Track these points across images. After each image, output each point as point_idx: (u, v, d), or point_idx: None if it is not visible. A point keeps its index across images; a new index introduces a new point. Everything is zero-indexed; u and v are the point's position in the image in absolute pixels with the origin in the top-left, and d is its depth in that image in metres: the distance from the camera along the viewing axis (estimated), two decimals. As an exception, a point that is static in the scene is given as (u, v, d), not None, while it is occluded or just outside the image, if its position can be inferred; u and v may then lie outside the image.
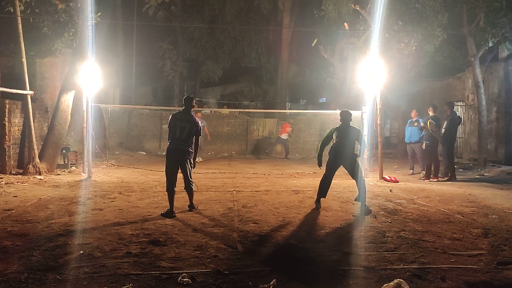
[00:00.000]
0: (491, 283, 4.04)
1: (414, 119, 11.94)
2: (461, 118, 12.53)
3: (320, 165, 7.64)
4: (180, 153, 6.67)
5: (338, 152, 7.32)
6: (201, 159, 15.02)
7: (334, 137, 7.50)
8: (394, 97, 19.73)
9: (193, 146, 6.76)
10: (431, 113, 11.09)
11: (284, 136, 17.01)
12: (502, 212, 7.06)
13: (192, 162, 6.81)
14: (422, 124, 11.21)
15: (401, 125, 13.50)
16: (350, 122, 7.54)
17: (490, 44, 13.00)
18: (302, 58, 28.00)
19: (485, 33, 12.66)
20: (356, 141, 7.53)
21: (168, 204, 6.59)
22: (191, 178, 6.81)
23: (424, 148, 11.14)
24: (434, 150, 11.08)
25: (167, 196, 6.66)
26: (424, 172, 11.41)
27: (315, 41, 19.38)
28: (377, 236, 5.56)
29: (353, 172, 7.26)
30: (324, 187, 7.37)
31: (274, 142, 17.85)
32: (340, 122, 7.56)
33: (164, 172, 6.79)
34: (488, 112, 13.77)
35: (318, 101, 29.70)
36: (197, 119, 6.83)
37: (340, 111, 7.76)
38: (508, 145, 13.77)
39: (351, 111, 7.68)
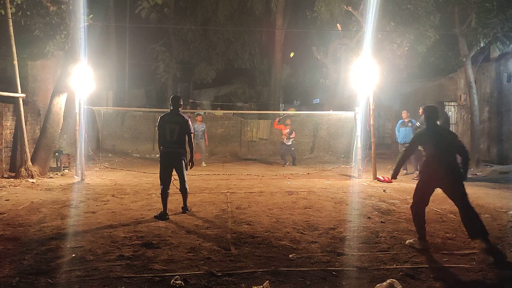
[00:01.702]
0: (483, 282, 4.06)
1: (406, 120, 11.99)
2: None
3: (394, 177, 5.72)
4: (173, 155, 6.64)
5: (433, 171, 5.21)
6: (204, 164, 14.52)
7: (422, 147, 5.48)
8: (387, 98, 19.82)
9: (186, 146, 6.70)
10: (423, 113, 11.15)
11: (287, 141, 14.63)
12: (495, 211, 7.12)
13: (189, 163, 6.79)
14: (418, 124, 11.24)
15: (395, 125, 13.58)
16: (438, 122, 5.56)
17: (482, 45, 13.07)
18: (295, 59, 28.06)
19: (476, 33, 12.74)
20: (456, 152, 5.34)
21: (162, 206, 6.57)
22: (186, 179, 6.80)
23: (418, 148, 11.16)
24: None
25: (160, 198, 6.64)
26: (417, 172, 11.45)
27: (292, 54, 18.53)
28: (370, 237, 5.57)
29: (455, 198, 5.11)
30: (420, 221, 5.20)
31: (281, 153, 15.19)
32: (426, 123, 5.56)
33: (158, 174, 6.76)
34: (481, 112, 13.86)
35: (311, 102, 29.78)
36: (186, 117, 6.74)
37: (425, 106, 5.71)
38: (500, 144, 13.86)
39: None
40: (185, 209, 6.92)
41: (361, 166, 11.42)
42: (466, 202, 5.01)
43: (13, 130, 11.14)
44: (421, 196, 5.27)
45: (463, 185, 5.08)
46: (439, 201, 7.98)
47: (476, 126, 13.32)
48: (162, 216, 6.45)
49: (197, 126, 14.15)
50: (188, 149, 6.80)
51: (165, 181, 6.65)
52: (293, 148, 14.88)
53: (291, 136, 14.61)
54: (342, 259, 4.70)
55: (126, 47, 24.93)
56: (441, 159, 5.18)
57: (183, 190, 6.85)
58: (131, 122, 18.95)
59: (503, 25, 12.57)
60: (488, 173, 12.10)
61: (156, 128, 6.78)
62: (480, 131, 13.67)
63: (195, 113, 15.59)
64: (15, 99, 10.84)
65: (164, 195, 6.61)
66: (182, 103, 6.93)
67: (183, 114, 6.78)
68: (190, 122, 6.75)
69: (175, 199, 7.40)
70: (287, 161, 14.84)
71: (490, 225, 6.13)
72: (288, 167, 14.18)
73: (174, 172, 6.74)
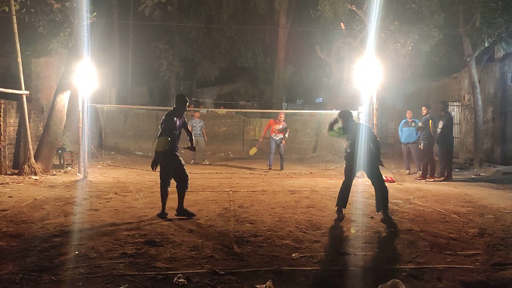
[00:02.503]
0: (487, 283, 4.04)
1: (409, 120, 11.96)
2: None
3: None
4: (168, 154, 6.30)
5: (353, 157, 6.53)
6: (207, 162, 14.29)
7: (345, 138, 6.72)
8: (390, 97, 19.77)
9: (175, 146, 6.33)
10: (426, 113, 11.11)
11: (275, 136, 12.90)
12: (498, 212, 7.08)
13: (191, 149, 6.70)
14: (420, 124, 11.20)
15: (398, 125, 13.54)
16: (354, 119, 6.96)
17: (486, 44, 13.01)
18: (298, 58, 28.00)
19: (481, 33, 12.67)
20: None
21: (167, 204, 6.53)
22: (185, 179, 6.44)
23: (422, 148, 11.15)
24: (430, 150, 11.10)
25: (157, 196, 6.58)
26: (420, 172, 11.43)
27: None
28: (373, 236, 5.56)
29: (373, 177, 6.58)
30: (345, 194, 6.68)
31: (270, 152, 13.12)
32: (345, 122, 6.79)
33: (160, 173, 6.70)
34: (484, 112, 13.80)
35: (314, 101, 29.69)
36: (167, 115, 6.43)
37: (340, 112, 7.01)
38: (504, 145, 13.82)
39: (350, 111, 6.95)
40: (181, 212, 6.40)
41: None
42: (382, 182, 6.50)
43: (17, 127, 11.16)
44: (348, 177, 6.66)
45: (378, 169, 6.48)
46: (442, 201, 7.98)
47: (479, 126, 13.27)
48: (161, 215, 6.39)
49: (194, 122, 14.07)
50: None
51: (165, 180, 6.44)
52: (281, 145, 12.95)
53: (286, 135, 12.97)
54: (345, 258, 4.70)
55: (129, 45, 24.94)
56: (357, 148, 6.45)
57: (180, 188, 6.45)
58: (134, 120, 18.96)
59: (507, 25, 12.52)
60: (492, 174, 12.06)
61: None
62: (483, 131, 13.62)
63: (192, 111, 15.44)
64: (19, 96, 10.85)
65: (163, 193, 6.44)
66: (186, 102, 6.57)
67: (169, 113, 6.47)
68: (166, 118, 6.39)
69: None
70: (272, 165, 12.95)
71: (494, 226, 6.12)
72: (289, 166, 13.99)
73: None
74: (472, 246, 5.15)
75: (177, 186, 6.50)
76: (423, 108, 11.30)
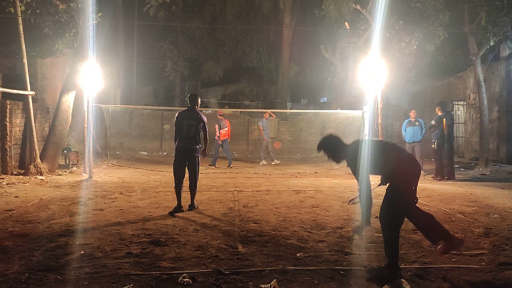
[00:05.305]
0: (492, 283, 4.03)
1: (413, 120, 11.91)
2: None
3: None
4: (188, 151, 6.80)
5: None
6: (277, 161, 14.85)
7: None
8: (395, 97, 19.71)
9: (201, 142, 6.91)
10: (439, 113, 11.05)
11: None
12: (504, 212, 7.05)
13: (203, 153, 7.01)
14: (433, 122, 11.10)
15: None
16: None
17: (492, 43, 12.96)
18: (303, 57, 27.99)
19: (486, 32, 12.63)
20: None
21: (169, 204, 6.59)
22: (197, 177, 6.94)
23: (436, 148, 11.02)
24: (442, 150, 10.99)
25: (168, 196, 6.67)
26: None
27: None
28: (378, 236, 5.54)
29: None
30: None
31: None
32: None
33: (166, 172, 6.81)
34: (490, 111, 13.74)
35: (319, 101, 29.68)
36: (203, 115, 6.95)
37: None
38: (510, 144, 13.75)
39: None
40: (192, 206, 6.95)
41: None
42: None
43: (22, 128, 11.23)
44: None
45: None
46: (448, 201, 7.95)
47: (485, 125, 13.22)
48: (177, 209, 6.63)
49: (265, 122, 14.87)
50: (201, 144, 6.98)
51: (179, 176, 6.82)
52: (221, 145, 13.72)
53: (222, 132, 13.66)
54: (350, 258, 4.69)
55: (134, 45, 25.03)
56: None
57: (192, 188, 6.94)
58: (138, 120, 19.03)
59: (513, 23, 12.47)
60: (497, 173, 12.01)
61: (174, 124, 6.98)
62: (489, 130, 13.57)
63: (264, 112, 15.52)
64: (25, 97, 10.92)
65: (178, 189, 6.78)
66: (199, 101, 7.15)
67: (200, 112, 6.98)
68: (206, 119, 6.95)
69: (181, 197, 7.41)
70: (214, 163, 13.58)
71: (499, 226, 6.09)
72: (293, 165, 14.08)
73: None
74: (477, 245, 5.13)
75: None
76: (437, 109, 11.18)
